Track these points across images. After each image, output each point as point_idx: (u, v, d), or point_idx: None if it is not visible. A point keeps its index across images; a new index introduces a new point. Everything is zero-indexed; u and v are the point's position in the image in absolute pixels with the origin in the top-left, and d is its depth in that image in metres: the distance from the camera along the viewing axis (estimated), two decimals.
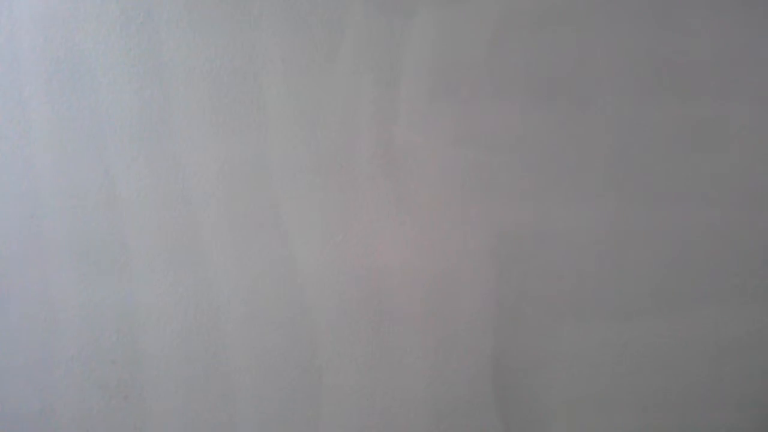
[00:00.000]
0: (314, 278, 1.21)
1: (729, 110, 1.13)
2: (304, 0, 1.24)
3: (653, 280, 1.16)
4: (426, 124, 1.23)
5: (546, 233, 1.17)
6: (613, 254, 1.15)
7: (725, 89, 1.12)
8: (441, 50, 1.25)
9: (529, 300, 1.17)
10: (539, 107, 1.21)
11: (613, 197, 1.14)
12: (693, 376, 1.19)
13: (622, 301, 1.16)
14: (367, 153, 1.24)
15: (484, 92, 1.23)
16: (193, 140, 1.23)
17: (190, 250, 1.21)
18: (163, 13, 1.23)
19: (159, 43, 1.23)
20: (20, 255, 1.20)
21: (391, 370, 1.21)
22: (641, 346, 1.18)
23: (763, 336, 1.17)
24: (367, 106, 1.25)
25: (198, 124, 1.23)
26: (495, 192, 1.18)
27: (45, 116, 1.21)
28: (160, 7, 1.22)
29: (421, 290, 1.20)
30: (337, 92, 1.25)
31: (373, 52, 1.26)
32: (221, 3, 1.23)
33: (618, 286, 1.16)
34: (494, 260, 1.17)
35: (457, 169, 1.20)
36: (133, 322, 1.20)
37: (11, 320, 1.20)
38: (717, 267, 1.15)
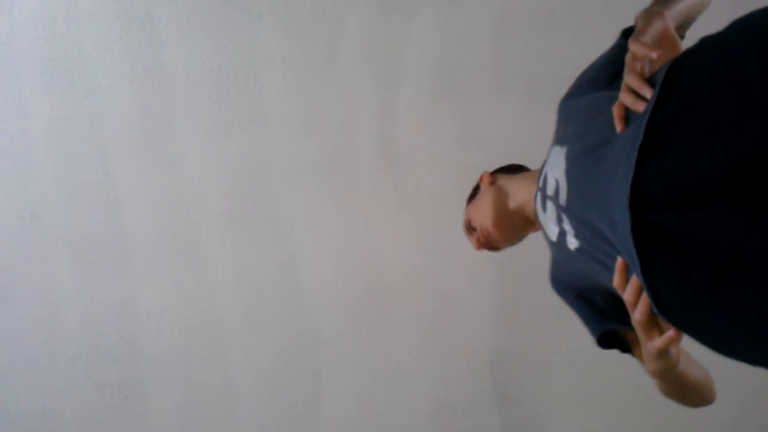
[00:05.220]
0: (314, 278, 1.21)
1: None
2: (304, 0, 1.24)
3: None
4: (426, 125, 1.24)
5: None
6: None
7: None
8: (441, 50, 1.25)
9: (529, 300, 1.17)
10: (539, 107, 1.21)
11: None
12: None
13: None
14: (367, 153, 1.24)
15: (484, 92, 1.23)
16: (193, 140, 1.23)
17: (190, 250, 1.21)
18: (163, 13, 1.22)
19: (159, 43, 1.22)
20: (20, 255, 1.20)
21: (391, 370, 1.21)
22: None
23: None
24: (367, 106, 1.25)
25: (198, 124, 1.23)
26: None
27: (45, 116, 1.21)
28: (160, 7, 1.22)
29: (421, 290, 1.20)
30: (337, 92, 1.25)
31: (373, 52, 1.27)
32: (221, 3, 1.23)
33: None
34: (494, 261, 1.17)
35: (457, 169, 1.20)
36: (133, 322, 1.20)
37: (12, 320, 1.20)
38: None
